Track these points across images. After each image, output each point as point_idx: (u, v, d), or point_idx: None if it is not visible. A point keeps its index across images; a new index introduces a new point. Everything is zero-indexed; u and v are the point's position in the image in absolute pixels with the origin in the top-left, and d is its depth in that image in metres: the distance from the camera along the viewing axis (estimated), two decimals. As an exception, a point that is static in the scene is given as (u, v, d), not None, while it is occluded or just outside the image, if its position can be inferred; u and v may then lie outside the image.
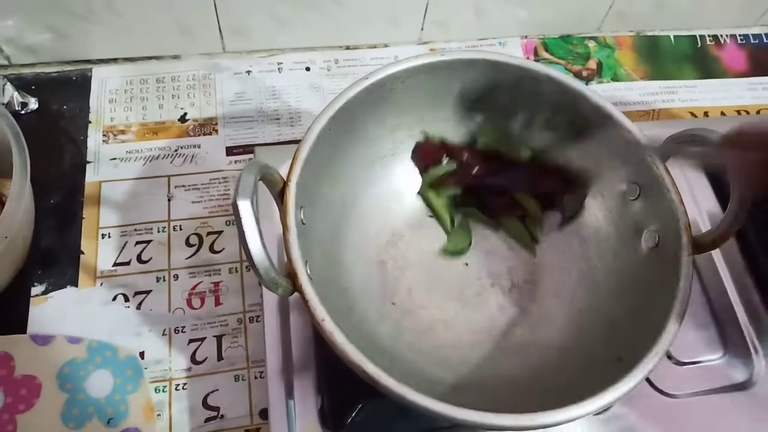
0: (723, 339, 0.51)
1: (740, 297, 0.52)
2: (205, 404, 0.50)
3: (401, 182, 0.53)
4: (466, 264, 0.52)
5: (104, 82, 0.65)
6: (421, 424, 0.43)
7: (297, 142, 0.61)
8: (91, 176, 0.60)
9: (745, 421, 0.47)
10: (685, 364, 0.49)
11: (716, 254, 0.54)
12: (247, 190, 0.34)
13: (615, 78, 0.72)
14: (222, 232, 0.58)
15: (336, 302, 0.43)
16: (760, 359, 0.50)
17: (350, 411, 0.43)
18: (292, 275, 0.37)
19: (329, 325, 0.35)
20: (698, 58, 0.75)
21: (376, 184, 0.52)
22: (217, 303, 0.54)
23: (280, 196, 0.39)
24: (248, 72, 0.68)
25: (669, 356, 0.48)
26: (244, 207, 0.33)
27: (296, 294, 0.37)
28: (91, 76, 0.66)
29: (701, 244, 0.41)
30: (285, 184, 0.39)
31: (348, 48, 0.70)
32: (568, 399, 0.35)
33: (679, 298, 0.38)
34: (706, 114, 0.70)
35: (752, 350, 0.50)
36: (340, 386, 0.44)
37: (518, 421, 0.34)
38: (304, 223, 0.40)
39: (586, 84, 0.71)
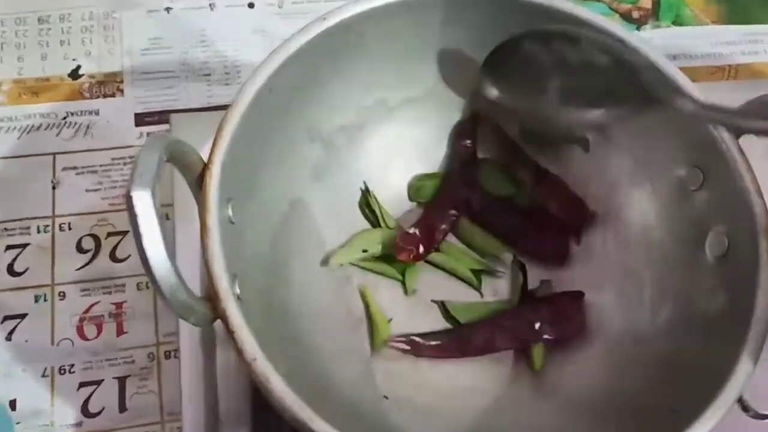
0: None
1: None
2: (102, 474, 0.50)
3: (372, 165, 0.53)
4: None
5: (-35, 22, 0.64)
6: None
7: None
8: (-53, 156, 0.59)
9: None
10: (765, 416, 0.49)
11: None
12: (147, 177, 0.32)
13: (677, 21, 0.71)
14: (127, 233, 0.57)
15: (278, 332, 0.43)
16: None
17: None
18: (212, 296, 0.36)
19: (263, 367, 0.34)
20: (794, -6, 0.74)
21: (337, 168, 0.51)
22: (120, 332, 0.54)
23: (199, 185, 0.38)
24: (168, 9, 0.67)
25: (744, 407, 0.47)
26: (142, 200, 0.32)
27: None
28: (-56, 14, 0.65)
29: (788, 254, 0.40)
30: (205, 167, 0.38)
31: (307, -24, 0.70)
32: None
33: (755, 328, 0.38)
34: (801, 72, 0.70)
35: None
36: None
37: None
38: (232, 223, 0.39)
39: (637, 29, 0.70)
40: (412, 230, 0.50)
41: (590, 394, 0.46)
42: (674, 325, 0.45)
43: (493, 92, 0.48)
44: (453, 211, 0.52)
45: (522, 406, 0.46)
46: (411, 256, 0.49)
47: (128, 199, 0.32)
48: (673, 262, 0.47)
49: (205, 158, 0.39)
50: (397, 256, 0.49)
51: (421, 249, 0.50)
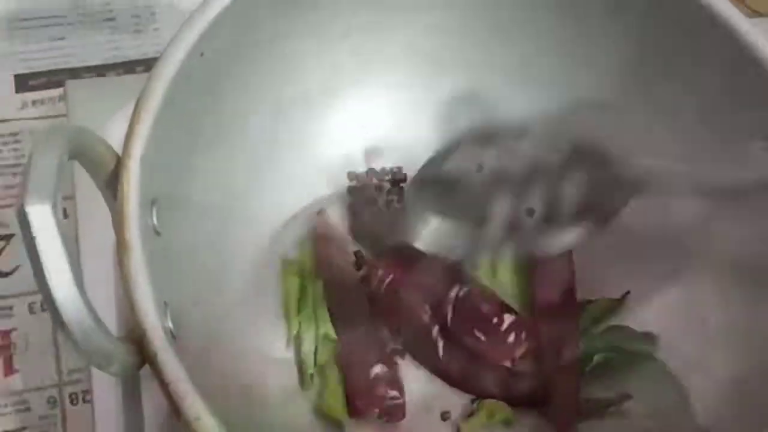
0: None
1: None
2: None
3: (340, 143, 0.53)
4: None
5: None
6: None
7: (145, 63, 0.62)
8: None
9: None
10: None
11: None
12: (45, 186, 0.32)
13: None
14: (14, 235, 0.57)
15: (224, 373, 0.43)
16: None
17: None
18: (137, 334, 0.36)
19: (210, 427, 0.34)
20: None
21: (294, 150, 0.51)
22: (9, 371, 0.54)
23: (112, 187, 0.38)
24: None
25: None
26: (39, 216, 0.32)
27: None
28: None
29: None
30: (120, 163, 0.38)
31: None
32: None
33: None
34: None
35: None
36: None
37: None
38: (158, 233, 0.39)
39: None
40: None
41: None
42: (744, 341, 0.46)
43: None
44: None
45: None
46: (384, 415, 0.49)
47: (21, 215, 0.32)
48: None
49: (117, 148, 0.39)
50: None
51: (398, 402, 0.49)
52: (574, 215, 0.46)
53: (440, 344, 0.50)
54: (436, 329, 0.51)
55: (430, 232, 0.49)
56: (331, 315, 0.50)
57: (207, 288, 0.45)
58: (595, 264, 0.53)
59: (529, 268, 0.54)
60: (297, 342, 0.49)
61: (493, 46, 0.52)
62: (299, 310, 0.50)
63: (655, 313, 0.51)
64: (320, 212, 0.51)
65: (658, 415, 0.48)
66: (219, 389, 0.38)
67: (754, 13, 0.45)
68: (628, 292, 0.52)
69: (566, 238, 0.47)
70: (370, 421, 0.47)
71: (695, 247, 0.50)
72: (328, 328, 0.50)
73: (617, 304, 0.52)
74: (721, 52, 0.46)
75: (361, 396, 0.47)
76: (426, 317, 0.51)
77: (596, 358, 0.51)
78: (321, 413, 0.48)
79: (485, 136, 0.46)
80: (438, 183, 0.47)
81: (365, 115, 0.54)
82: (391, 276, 0.51)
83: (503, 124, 0.47)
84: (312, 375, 0.48)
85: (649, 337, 0.50)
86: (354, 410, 0.47)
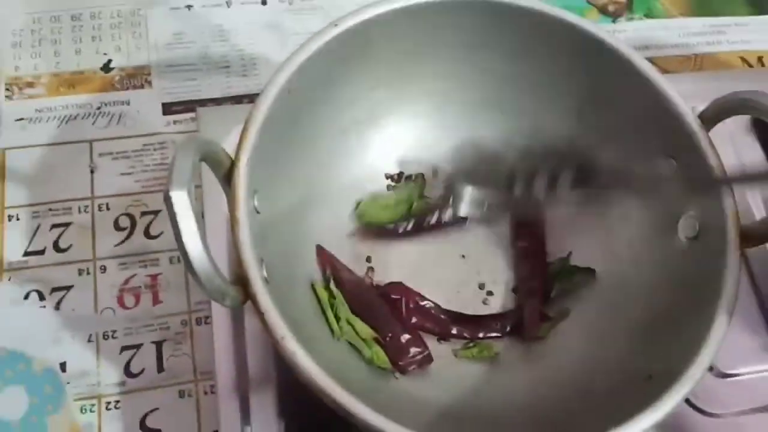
0: (776, 345, 0.51)
1: (800, 294, 0.52)
2: (144, 426, 0.50)
3: (380, 154, 0.52)
4: (463, 256, 0.51)
5: (5, 21, 0.63)
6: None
7: (252, 97, 0.61)
8: (-8, 141, 0.58)
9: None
10: (729, 376, 0.49)
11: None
12: (184, 178, 0.32)
13: (649, 14, 0.70)
14: (160, 211, 0.57)
15: (301, 308, 0.43)
16: (822, 369, 0.50)
17: (320, 436, 0.43)
18: (243, 280, 0.36)
19: (291, 344, 0.34)
20: (753, -12, 0.73)
21: (349, 158, 0.50)
22: (156, 301, 0.54)
23: (227, 180, 0.38)
24: (189, 7, 0.65)
25: (710, 367, 0.48)
26: (180, 200, 0.32)
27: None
28: (-13, 13, 0.63)
29: (752, 237, 0.40)
30: (233, 164, 0.38)
31: (315, -25, 0.68)
32: (587, 428, 0.35)
33: (724, 303, 0.38)
34: (760, 60, 0.69)
35: (812, 358, 0.50)
36: (306, 408, 0.44)
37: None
38: (258, 212, 0.39)
39: (613, 22, 0.69)
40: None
41: (575, 359, 0.46)
42: (650, 298, 0.45)
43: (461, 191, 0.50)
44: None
45: (516, 370, 0.47)
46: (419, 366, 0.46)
47: (167, 198, 0.32)
48: (650, 242, 0.47)
49: (231, 153, 0.39)
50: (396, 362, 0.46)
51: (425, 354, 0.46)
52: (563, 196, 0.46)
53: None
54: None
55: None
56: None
57: (289, 249, 0.45)
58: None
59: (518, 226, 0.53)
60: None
61: (484, 89, 0.51)
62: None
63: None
64: (319, 250, 0.48)
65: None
66: (298, 317, 0.37)
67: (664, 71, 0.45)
68: (570, 253, 0.51)
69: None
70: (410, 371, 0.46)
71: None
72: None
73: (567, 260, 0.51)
74: (640, 95, 0.45)
75: (400, 358, 0.45)
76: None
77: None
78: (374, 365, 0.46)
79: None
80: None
81: (398, 135, 0.53)
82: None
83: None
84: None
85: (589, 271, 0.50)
86: (397, 368, 0.45)
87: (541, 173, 0.47)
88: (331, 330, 0.45)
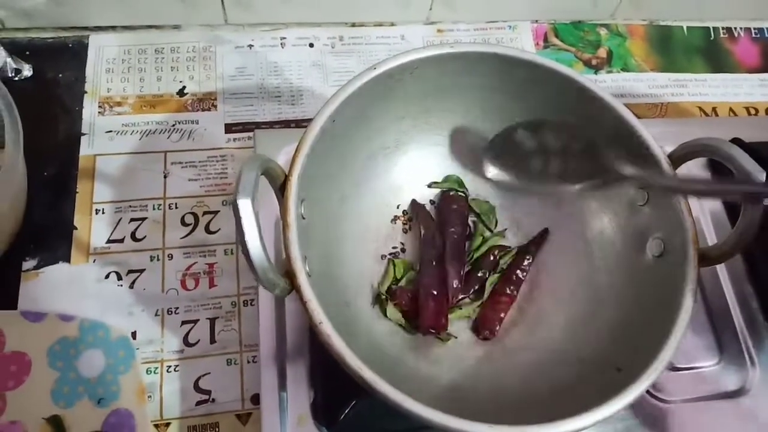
0: (719, 345, 0.50)
1: (739, 303, 0.52)
2: (197, 387, 0.50)
3: (402, 174, 0.52)
4: (467, 260, 0.51)
5: (101, 51, 0.63)
6: (414, 423, 0.43)
7: (298, 122, 0.61)
8: (85, 149, 0.58)
9: (738, 428, 0.47)
10: (680, 369, 0.49)
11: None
12: (248, 188, 0.32)
13: (625, 68, 0.70)
14: (218, 212, 0.57)
15: (333, 298, 0.43)
16: (755, 368, 0.49)
17: (343, 407, 0.43)
18: (290, 274, 0.36)
19: (327, 329, 0.34)
20: (710, 51, 0.73)
21: (377, 177, 0.50)
22: (212, 285, 0.54)
23: (281, 191, 0.38)
24: (250, 46, 0.66)
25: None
26: (245, 206, 0.32)
27: (293, 281, 0.36)
28: (87, 44, 0.63)
29: (708, 258, 0.40)
30: (286, 178, 0.38)
31: (353, 25, 0.68)
32: (565, 408, 0.35)
33: (683, 313, 0.38)
34: (714, 110, 0.69)
35: (747, 358, 0.50)
36: (334, 381, 0.44)
37: (514, 434, 0.33)
38: (303, 218, 0.39)
39: (595, 73, 0.69)
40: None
41: (555, 348, 0.46)
42: (620, 303, 0.45)
43: (490, 173, 0.47)
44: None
45: (507, 354, 0.47)
46: (439, 331, 0.46)
47: (234, 205, 0.32)
48: (621, 256, 0.46)
49: (285, 169, 0.39)
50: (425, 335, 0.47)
51: (442, 322, 0.46)
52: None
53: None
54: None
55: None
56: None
57: (327, 251, 0.45)
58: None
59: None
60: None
61: (492, 123, 0.50)
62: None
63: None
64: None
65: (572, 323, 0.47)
66: (333, 305, 0.37)
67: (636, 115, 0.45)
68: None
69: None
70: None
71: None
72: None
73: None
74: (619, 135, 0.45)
75: (429, 323, 0.46)
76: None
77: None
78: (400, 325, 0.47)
79: (533, 125, 0.45)
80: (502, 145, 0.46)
81: (419, 159, 0.53)
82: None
83: (546, 121, 0.45)
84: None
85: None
86: (423, 329, 0.46)
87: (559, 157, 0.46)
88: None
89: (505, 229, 0.52)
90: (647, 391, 0.47)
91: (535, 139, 0.45)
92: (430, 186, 0.53)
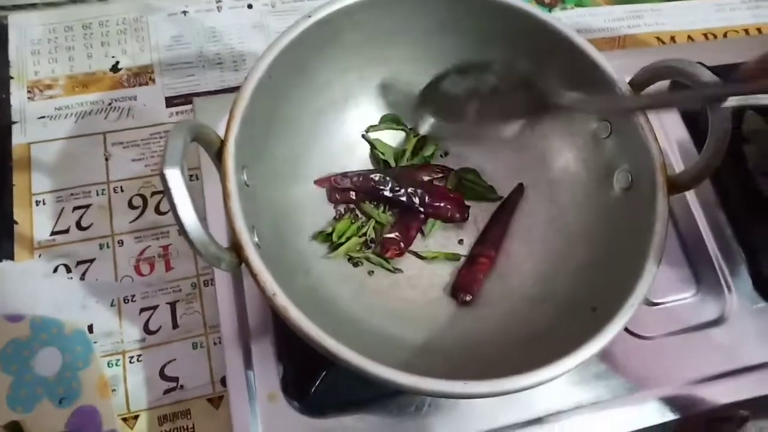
0: (696, 277, 0.49)
1: (712, 232, 0.51)
2: (163, 375, 0.47)
3: (355, 130, 0.49)
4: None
5: (23, 31, 0.58)
6: (388, 388, 0.41)
7: None
8: (18, 138, 0.54)
9: (719, 356, 0.46)
10: (658, 304, 0.47)
11: (688, 190, 0.52)
12: (176, 157, 0.29)
13: (579, 3, 0.67)
14: (168, 191, 0.53)
15: (291, 265, 0.40)
16: (732, 295, 0.48)
17: (314, 379, 0.41)
18: (236, 246, 0.33)
19: (282, 300, 0.32)
20: (664, -22, 0.70)
21: (328, 135, 0.47)
22: (168, 268, 0.51)
23: (218, 158, 0.35)
24: (184, 12, 0.61)
25: (642, 298, 0.46)
26: (173, 176, 0.29)
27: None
28: (7, 25, 0.58)
29: (677, 185, 0.38)
30: (222, 144, 0.35)
31: (293, -19, 0.64)
32: (543, 355, 0.33)
33: (656, 243, 0.36)
34: (673, 39, 0.66)
35: (724, 286, 0.49)
36: (301, 354, 0.41)
37: (490, 388, 0.32)
38: (248, 185, 0.36)
39: (549, 11, 0.66)
40: (393, 234, 0.46)
41: (528, 296, 0.44)
42: (591, 241, 0.43)
43: (426, 122, 0.46)
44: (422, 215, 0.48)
45: (479, 308, 0.45)
46: (396, 253, 0.46)
47: (162, 176, 0.29)
48: (589, 193, 0.44)
49: (222, 135, 0.36)
50: (384, 254, 0.46)
51: (403, 246, 0.46)
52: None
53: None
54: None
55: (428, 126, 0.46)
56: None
57: (278, 218, 0.42)
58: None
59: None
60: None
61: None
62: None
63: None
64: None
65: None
66: (286, 275, 0.35)
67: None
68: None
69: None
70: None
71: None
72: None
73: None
74: (579, 67, 0.42)
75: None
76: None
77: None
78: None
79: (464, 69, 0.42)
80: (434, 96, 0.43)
81: (375, 112, 0.50)
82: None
83: (475, 62, 0.43)
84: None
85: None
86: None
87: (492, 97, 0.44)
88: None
89: None
90: (627, 330, 0.46)
91: (465, 83, 0.42)
92: (367, 131, 0.50)
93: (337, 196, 0.46)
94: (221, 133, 0.36)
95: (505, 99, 0.42)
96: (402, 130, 0.50)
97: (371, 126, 0.50)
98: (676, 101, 0.38)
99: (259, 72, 0.37)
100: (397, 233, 0.46)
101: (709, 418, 0.46)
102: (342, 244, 0.45)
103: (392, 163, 0.49)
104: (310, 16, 0.39)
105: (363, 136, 0.49)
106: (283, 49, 0.38)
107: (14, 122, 0.55)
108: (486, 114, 0.43)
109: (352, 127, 0.49)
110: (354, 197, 0.47)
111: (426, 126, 0.46)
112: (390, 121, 0.50)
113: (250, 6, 0.62)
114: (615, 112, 0.40)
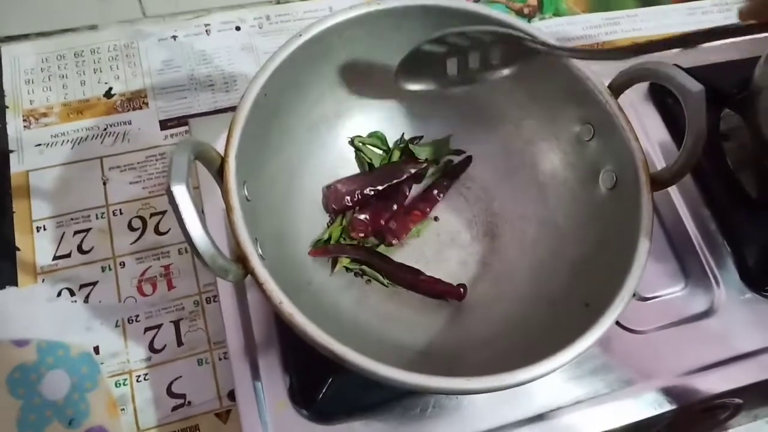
0: (684, 270, 0.50)
1: (697, 227, 0.52)
2: (170, 392, 0.48)
3: (348, 143, 0.50)
4: (424, 222, 0.50)
5: (17, 61, 0.60)
6: (393, 390, 0.42)
7: (234, 109, 0.58)
8: (16, 166, 0.55)
9: (710, 347, 0.47)
10: (648, 299, 0.49)
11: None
12: (181, 174, 0.30)
13: (557, 13, 0.70)
14: (166, 211, 0.54)
15: (294, 276, 0.41)
16: (720, 288, 0.50)
17: (321, 386, 0.42)
18: (242, 258, 0.34)
19: (288, 308, 0.33)
20: (637, -15, 0.73)
21: (322, 148, 0.49)
22: (170, 287, 0.52)
23: (220, 174, 0.36)
24: (174, 37, 0.63)
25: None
26: (180, 192, 0.30)
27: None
28: (0, 56, 0.60)
29: (659, 182, 0.40)
30: (223, 160, 0.36)
31: (279, 2, 0.66)
32: (540, 352, 0.34)
33: (642, 238, 0.37)
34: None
35: (711, 279, 0.50)
36: (307, 362, 0.43)
37: (491, 383, 0.33)
38: (249, 200, 0.37)
39: (529, 21, 0.68)
40: (362, 216, 0.48)
41: (523, 296, 0.45)
42: (581, 240, 0.44)
43: (406, 85, 0.45)
44: (394, 205, 0.49)
45: (476, 310, 0.46)
46: (361, 235, 0.47)
47: (169, 192, 0.30)
48: (576, 194, 0.46)
49: (221, 152, 0.37)
50: (350, 233, 0.47)
51: (369, 229, 0.48)
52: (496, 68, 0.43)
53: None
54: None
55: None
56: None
57: (279, 230, 0.43)
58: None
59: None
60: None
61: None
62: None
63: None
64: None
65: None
66: (293, 286, 0.36)
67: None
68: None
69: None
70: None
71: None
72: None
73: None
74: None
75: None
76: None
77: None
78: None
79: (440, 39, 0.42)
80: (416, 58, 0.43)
81: (359, 124, 0.51)
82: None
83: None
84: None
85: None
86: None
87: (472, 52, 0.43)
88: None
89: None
90: (620, 325, 0.47)
91: (444, 46, 0.42)
92: (352, 142, 0.51)
93: (333, 206, 0.48)
94: (220, 150, 0.37)
95: (483, 52, 0.42)
96: (384, 150, 0.51)
97: (358, 137, 0.51)
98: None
99: (255, 91, 0.38)
100: (366, 216, 0.48)
101: (704, 408, 0.48)
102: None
103: (376, 165, 0.50)
104: (301, 35, 0.41)
105: (350, 141, 0.51)
106: (276, 67, 0.40)
107: (11, 151, 0.56)
108: (466, 69, 0.43)
109: (345, 139, 0.50)
110: (350, 203, 0.48)
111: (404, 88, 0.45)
112: (376, 137, 0.51)
113: (237, 28, 0.64)
114: (582, 58, 0.42)
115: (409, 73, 0.43)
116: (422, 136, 0.52)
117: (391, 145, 0.52)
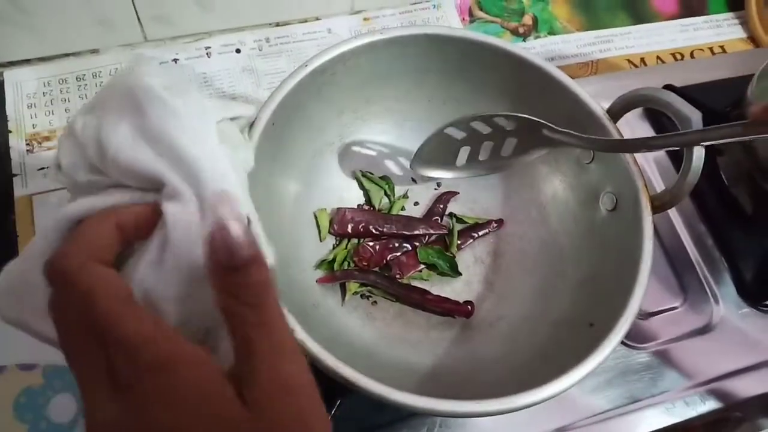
0: (682, 287, 0.52)
1: (695, 244, 0.54)
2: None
3: (353, 168, 0.51)
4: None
5: (19, 87, 0.60)
6: (401, 412, 0.43)
7: None
8: (19, 190, 0.55)
9: (707, 362, 0.49)
10: (649, 316, 0.50)
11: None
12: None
13: (551, 32, 0.71)
14: (170, 234, 0.55)
15: (300, 302, 0.42)
16: (718, 303, 0.51)
17: (329, 409, 0.42)
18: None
19: (300, 335, 0.34)
20: (630, 4, 0.74)
21: (328, 173, 0.50)
22: (175, 309, 0.52)
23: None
24: (175, 60, 0.64)
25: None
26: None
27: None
28: (3, 81, 0.60)
29: (659, 204, 0.41)
30: (234, 189, 0.37)
31: (278, 25, 0.67)
32: (548, 371, 0.35)
33: (644, 259, 0.38)
34: (643, 60, 0.70)
35: (710, 295, 0.51)
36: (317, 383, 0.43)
37: (500, 406, 0.34)
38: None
39: (523, 41, 0.70)
40: (371, 245, 0.48)
41: (527, 316, 0.46)
42: (583, 261, 0.45)
43: (421, 172, 0.48)
44: (407, 246, 0.49)
45: (481, 330, 0.47)
46: (364, 264, 0.47)
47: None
48: (577, 216, 0.47)
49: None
50: (354, 258, 0.48)
51: (374, 260, 0.48)
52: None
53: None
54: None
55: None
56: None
57: (287, 254, 0.44)
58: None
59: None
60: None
61: (430, 107, 0.51)
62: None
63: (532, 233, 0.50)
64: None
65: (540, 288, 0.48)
66: (300, 310, 0.37)
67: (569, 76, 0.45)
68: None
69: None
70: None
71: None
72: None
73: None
74: (560, 99, 0.45)
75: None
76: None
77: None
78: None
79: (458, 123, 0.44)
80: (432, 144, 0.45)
81: (362, 150, 0.52)
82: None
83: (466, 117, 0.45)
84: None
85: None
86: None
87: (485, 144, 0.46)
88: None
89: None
90: (622, 342, 0.48)
91: (466, 131, 0.45)
92: (356, 173, 0.51)
93: (335, 226, 0.48)
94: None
95: (506, 141, 0.45)
96: (384, 191, 0.51)
97: (362, 170, 0.51)
98: (663, 145, 0.40)
99: (263, 120, 0.39)
100: (376, 246, 0.48)
101: (706, 422, 0.49)
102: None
103: (376, 205, 0.51)
104: (306, 65, 0.42)
105: (353, 173, 0.51)
106: (283, 97, 0.41)
107: (15, 174, 0.56)
108: (484, 158, 0.46)
109: (348, 165, 0.51)
110: (350, 231, 0.48)
111: (422, 174, 0.48)
112: (384, 183, 0.51)
113: (238, 50, 0.65)
114: (603, 150, 0.43)
115: (424, 159, 0.46)
116: (458, 192, 0.52)
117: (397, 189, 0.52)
